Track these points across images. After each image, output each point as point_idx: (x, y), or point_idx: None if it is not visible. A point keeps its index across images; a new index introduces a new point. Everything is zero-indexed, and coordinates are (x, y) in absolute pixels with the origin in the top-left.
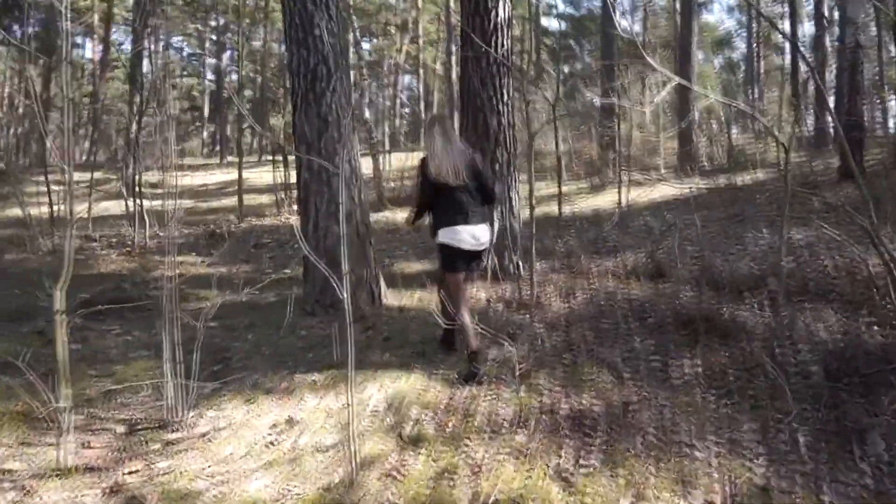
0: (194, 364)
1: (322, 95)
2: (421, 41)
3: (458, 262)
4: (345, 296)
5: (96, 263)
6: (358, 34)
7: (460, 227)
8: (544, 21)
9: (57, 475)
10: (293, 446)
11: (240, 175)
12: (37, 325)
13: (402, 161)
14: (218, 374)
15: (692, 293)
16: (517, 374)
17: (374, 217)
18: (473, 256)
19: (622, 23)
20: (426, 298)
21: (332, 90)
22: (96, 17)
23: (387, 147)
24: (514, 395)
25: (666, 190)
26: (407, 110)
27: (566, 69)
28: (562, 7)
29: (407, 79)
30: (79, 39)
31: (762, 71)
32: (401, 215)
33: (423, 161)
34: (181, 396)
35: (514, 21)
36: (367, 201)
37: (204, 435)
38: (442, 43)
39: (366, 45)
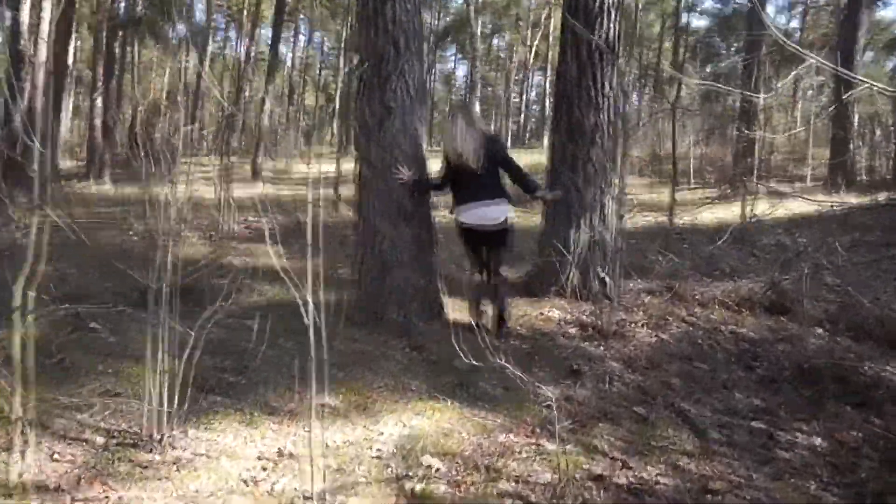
0: (187, 374)
1: (387, 80)
2: (551, 38)
3: (472, 240)
4: (309, 320)
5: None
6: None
7: (473, 205)
8: (689, 19)
9: (2, 494)
10: (271, 489)
11: (337, 164)
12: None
13: (525, 159)
14: (225, 386)
15: (823, 339)
16: (557, 429)
17: None
18: (491, 237)
19: (772, 17)
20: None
21: (398, 74)
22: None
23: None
24: (558, 452)
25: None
26: (536, 107)
27: (708, 69)
28: (707, 3)
29: (538, 77)
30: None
31: None
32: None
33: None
34: (157, 412)
35: (651, 17)
36: (433, 202)
37: (177, 461)
38: None
39: (496, 41)
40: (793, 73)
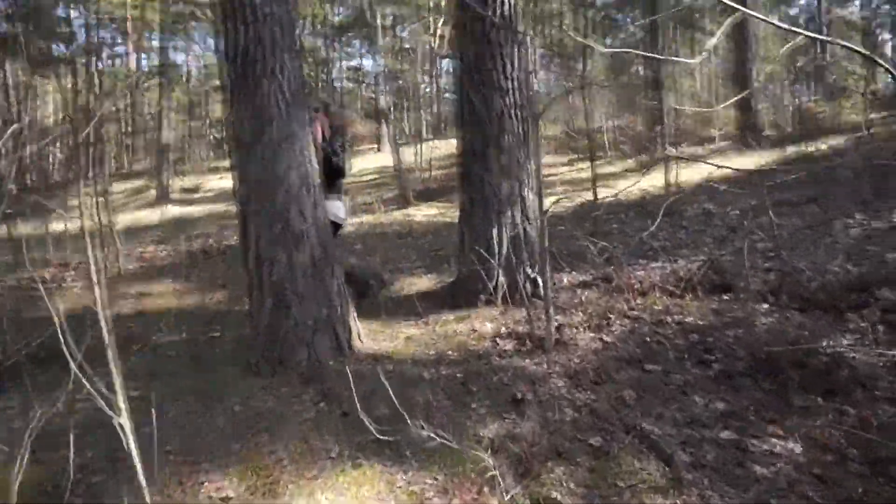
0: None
1: (258, 84)
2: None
3: None
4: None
5: (51, 300)
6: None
7: None
8: None
9: None
10: None
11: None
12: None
13: (441, 150)
14: (86, 484)
15: (772, 317)
16: (501, 489)
17: (394, 216)
18: None
19: None
20: (418, 338)
21: (270, 74)
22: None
23: (426, 135)
24: None
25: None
26: (448, 95)
27: (609, 42)
28: None
29: (446, 63)
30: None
31: (827, 25)
32: (425, 212)
33: None
34: None
35: None
36: (324, 217)
37: None
38: None
39: (399, 31)
40: (723, 27)
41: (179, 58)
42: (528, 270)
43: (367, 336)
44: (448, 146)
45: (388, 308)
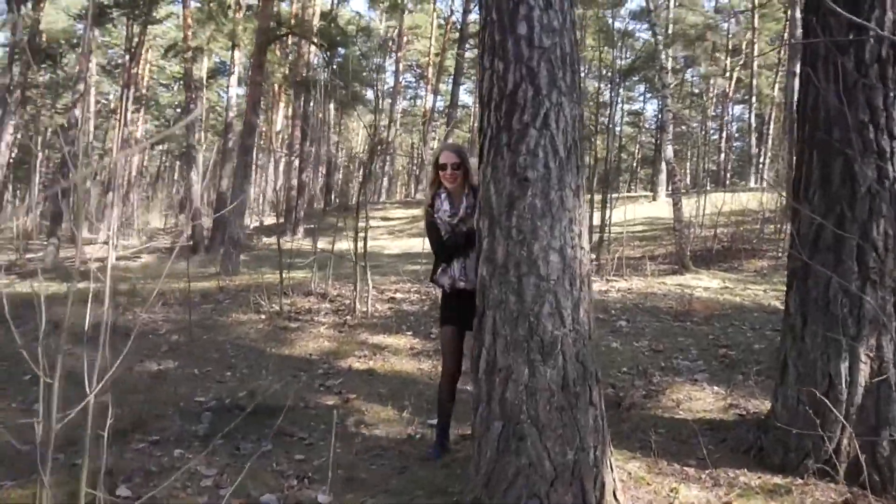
0: None
1: (523, 135)
2: (755, 65)
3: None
4: None
5: (301, 340)
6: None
7: None
8: None
9: None
10: None
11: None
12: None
13: (727, 205)
14: None
15: None
16: None
17: (668, 285)
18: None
19: None
20: None
21: (539, 126)
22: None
23: (706, 186)
24: None
25: None
26: (737, 144)
27: None
28: None
29: (737, 109)
30: None
31: None
32: (707, 283)
33: None
34: None
35: None
36: (590, 321)
37: None
38: (782, 65)
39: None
40: None
41: (469, 99)
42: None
43: (625, 490)
44: (735, 201)
45: (654, 435)
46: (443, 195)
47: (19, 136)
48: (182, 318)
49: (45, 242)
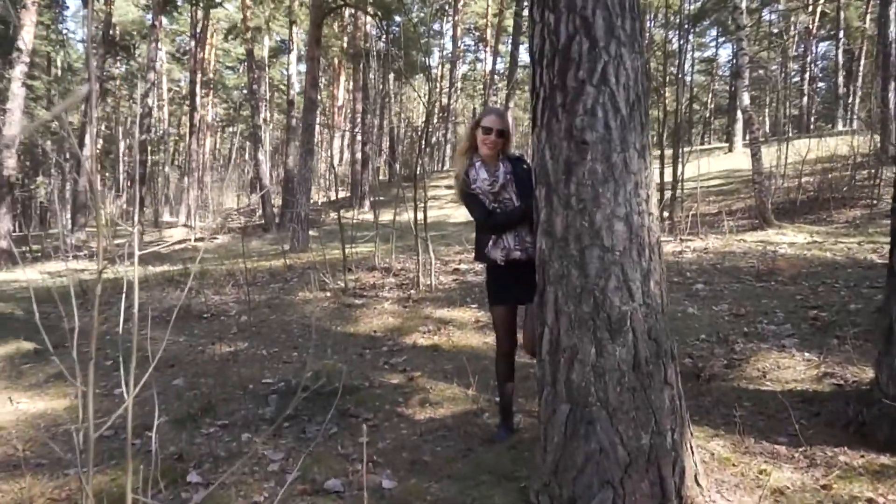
0: None
1: (579, 93)
2: None
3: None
4: None
5: (365, 317)
6: None
7: None
8: None
9: None
10: None
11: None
12: (266, 409)
13: (812, 152)
14: None
15: None
16: None
17: (748, 242)
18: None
19: None
20: (795, 499)
21: (596, 83)
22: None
23: (788, 132)
24: None
25: None
26: (821, 85)
27: None
28: None
29: (822, 46)
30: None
31: None
32: (792, 238)
33: None
34: None
35: None
36: (662, 294)
37: None
38: None
39: (766, 14)
40: None
41: (528, 59)
42: None
43: (707, 473)
44: (821, 147)
45: (739, 410)
46: (477, 164)
47: (102, 127)
48: (251, 300)
49: (130, 229)
